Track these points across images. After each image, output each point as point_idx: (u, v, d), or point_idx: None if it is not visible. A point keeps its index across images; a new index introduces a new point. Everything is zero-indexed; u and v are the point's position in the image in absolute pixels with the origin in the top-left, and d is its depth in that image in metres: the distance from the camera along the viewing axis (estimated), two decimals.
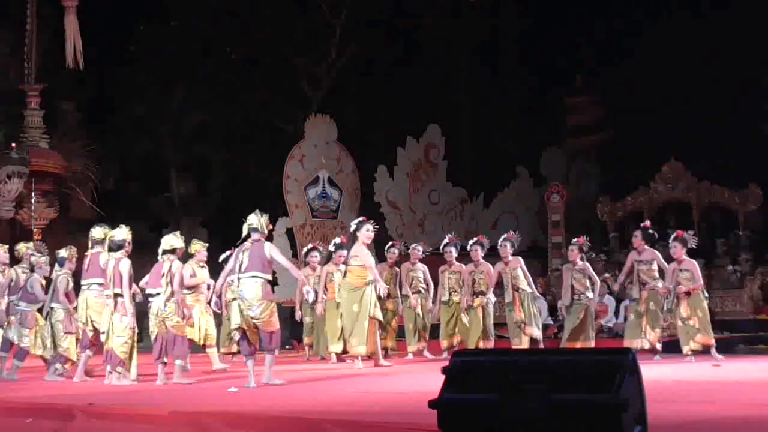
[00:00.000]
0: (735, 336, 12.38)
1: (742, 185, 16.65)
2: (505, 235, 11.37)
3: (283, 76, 21.34)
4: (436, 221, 18.89)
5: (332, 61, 21.11)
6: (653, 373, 7.85)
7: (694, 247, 10.27)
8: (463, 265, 11.73)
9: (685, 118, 18.15)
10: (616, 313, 13.48)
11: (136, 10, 20.22)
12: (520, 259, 11.29)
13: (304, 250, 13.08)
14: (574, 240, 11.03)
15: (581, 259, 10.72)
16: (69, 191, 16.10)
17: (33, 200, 14.82)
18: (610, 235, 17.91)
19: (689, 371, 8.85)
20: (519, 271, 11.09)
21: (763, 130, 17.74)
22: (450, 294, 11.68)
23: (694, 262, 10.19)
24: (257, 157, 21.02)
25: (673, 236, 10.32)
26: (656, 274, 10.18)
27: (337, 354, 11.25)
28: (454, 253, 11.78)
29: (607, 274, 14.00)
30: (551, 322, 13.37)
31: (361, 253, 10.21)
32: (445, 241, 12.05)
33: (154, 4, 20.44)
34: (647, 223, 10.77)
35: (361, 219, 10.60)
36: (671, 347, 11.74)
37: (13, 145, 14.32)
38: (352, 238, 10.39)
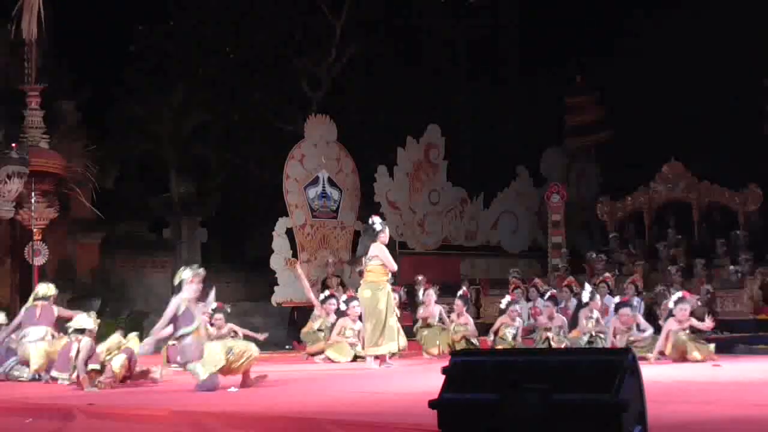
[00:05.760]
0: (735, 336, 12.37)
1: (742, 185, 16.65)
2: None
3: (283, 76, 21.32)
4: (436, 221, 18.87)
5: (332, 61, 21.09)
6: (653, 373, 7.86)
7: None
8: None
9: (685, 118, 18.15)
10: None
11: (136, 10, 20.20)
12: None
13: (321, 296, 13.04)
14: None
15: None
16: (69, 191, 16.05)
17: (33, 200, 14.75)
18: (610, 235, 17.89)
19: (689, 371, 8.85)
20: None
21: (763, 130, 17.73)
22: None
23: None
24: (257, 157, 20.99)
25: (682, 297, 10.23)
26: None
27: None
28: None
29: (607, 274, 13.98)
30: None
31: (382, 253, 10.27)
32: (459, 293, 12.60)
33: (154, 4, 20.43)
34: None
35: (377, 222, 10.61)
36: None
37: (13, 145, 14.25)
38: (370, 239, 10.42)
